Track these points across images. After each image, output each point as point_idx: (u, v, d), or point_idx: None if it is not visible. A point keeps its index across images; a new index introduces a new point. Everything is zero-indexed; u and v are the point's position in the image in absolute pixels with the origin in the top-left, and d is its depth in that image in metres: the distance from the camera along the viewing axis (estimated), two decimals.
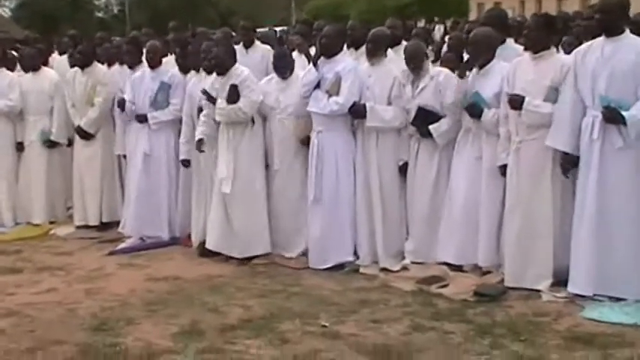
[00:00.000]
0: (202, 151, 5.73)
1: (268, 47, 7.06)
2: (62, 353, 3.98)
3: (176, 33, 8.11)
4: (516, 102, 4.65)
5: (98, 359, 3.89)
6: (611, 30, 4.39)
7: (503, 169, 4.88)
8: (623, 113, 4.26)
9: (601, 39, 4.44)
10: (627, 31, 4.43)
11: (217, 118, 5.62)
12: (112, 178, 6.80)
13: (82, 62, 6.67)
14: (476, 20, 9.77)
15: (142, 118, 6.23)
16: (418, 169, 5.28)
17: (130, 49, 6.68)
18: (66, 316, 4.59)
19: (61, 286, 5.26)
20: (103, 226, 6.73)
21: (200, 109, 5.81)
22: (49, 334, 4.31)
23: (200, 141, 5.69)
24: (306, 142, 5.56)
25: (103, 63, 6.89)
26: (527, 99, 4.62)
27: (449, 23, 15.30)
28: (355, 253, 5.47)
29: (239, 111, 5.50)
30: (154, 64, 6.23)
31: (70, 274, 5.54)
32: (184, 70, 6.27)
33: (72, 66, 6.95)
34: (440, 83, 5.14)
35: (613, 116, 4.29)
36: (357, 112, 5.30)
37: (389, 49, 5.71)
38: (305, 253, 5.61)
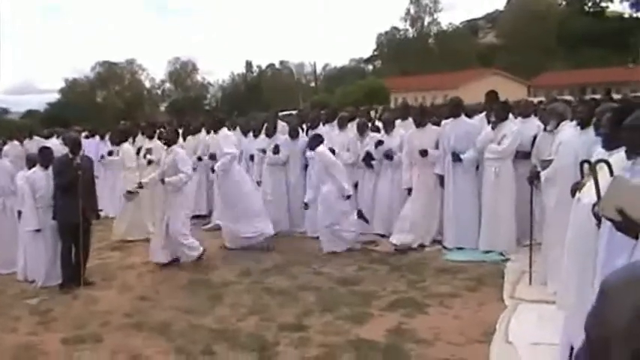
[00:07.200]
0: None
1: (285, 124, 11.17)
2: None
3: None
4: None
5: None
6: (457, 113, 8.37)
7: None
8: (461, 156, 8.13)
9: (451, 119, 8.41)
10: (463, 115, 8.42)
11: None
12: None
13: None
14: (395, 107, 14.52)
15: None
16: (365, 183, 9.27)
17: None
18: None
19: None
20: None
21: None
22: None
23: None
24: None
25: None
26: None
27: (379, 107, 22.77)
28: None
29: None
30: None
31: None
32: None
33: None
34: (373, 140, 9.17)
35: (456, 157, 8.16)
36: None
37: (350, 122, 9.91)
38: None
